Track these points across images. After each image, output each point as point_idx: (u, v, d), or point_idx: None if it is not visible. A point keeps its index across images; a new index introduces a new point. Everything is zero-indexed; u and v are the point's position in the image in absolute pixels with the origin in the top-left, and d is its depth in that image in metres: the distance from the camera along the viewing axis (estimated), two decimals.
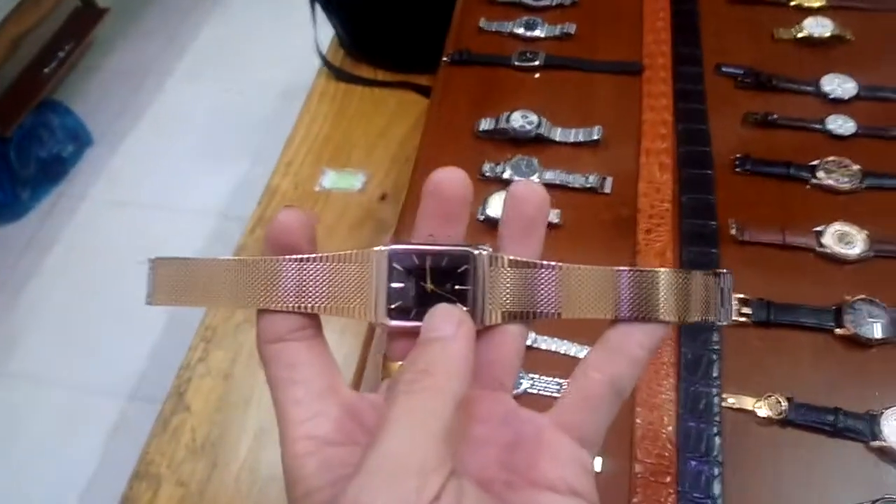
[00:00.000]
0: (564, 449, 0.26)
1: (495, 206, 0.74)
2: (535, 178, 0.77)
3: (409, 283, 0.26)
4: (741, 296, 0.67)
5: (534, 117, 0.81)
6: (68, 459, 1.39)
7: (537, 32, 0.92)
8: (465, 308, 0.26)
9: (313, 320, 0.27)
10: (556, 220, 0.73)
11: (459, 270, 0.26)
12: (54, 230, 1.78)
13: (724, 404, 0.61)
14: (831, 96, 0.83)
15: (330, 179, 1.26)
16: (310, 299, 0.26)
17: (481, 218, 0.74)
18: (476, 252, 0.26)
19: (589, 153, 0.80)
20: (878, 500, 0.55)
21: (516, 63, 0.89)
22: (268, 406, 0.95)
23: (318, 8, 1.38)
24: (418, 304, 0.26)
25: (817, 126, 0.80)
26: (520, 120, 0.81)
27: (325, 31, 1.44)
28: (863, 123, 0.80)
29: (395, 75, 1.40)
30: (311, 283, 0.26)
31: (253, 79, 2.05)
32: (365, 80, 1.41)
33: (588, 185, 0.76)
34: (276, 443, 0.95)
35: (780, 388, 0.61)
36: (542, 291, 0.26)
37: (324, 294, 0.26)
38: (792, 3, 0.92)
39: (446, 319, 0.25)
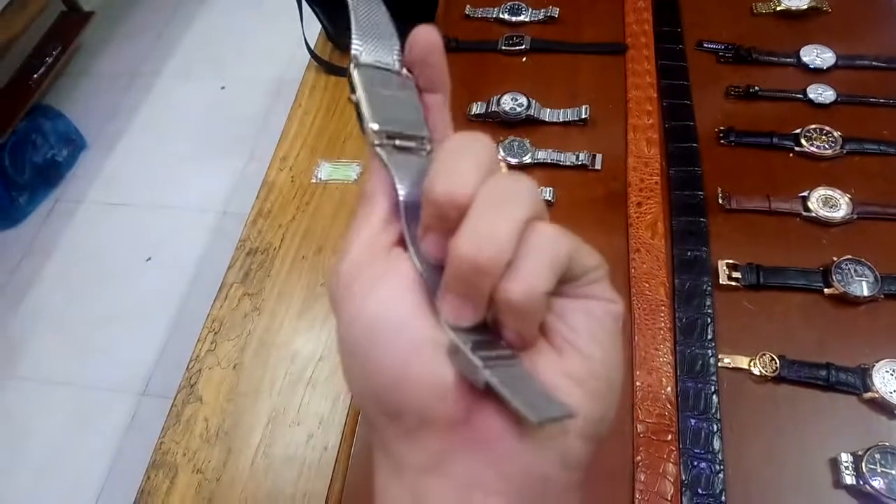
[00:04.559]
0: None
1: None
2: (527, 157, 0.79)
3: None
4: (731, 261, 0.69)
5: (523, 99, 0.83)
6: (84, 457, 1.42)
7: (522, 17, 0.94)
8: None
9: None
10: (549, 198, 0.76)
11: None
12: (53, 234, 1.79)
13: (719, 364, 0.64)
14: (811, 66, 0.85)
15: (326, 171, 1.28)
16: None
17: None
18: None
19: (578, 132, 0.83)
20: (871, 448, 0.58)
21: (503, 48, 0.91)
22: (278, 392, 0.97)
23: (305, 3, 1.39)
24: None
25: (798, 96, 0.83)
26: (510, 102, 0.83)
27: (312, 25, 1.45)
28: (842, 91, 0.82)
29: None
30: None
31: (243, 74, 2.06)
32: None
33: (579, 163, 0.79)
34: (289, 427, 0.97)
35: (773, 348, 0.64)
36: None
37: None
38: None
39: None
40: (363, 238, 0.26)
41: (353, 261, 0.25)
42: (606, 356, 0.25)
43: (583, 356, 0.25)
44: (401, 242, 0.26)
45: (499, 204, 0.23)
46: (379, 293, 0.24)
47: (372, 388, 0.24)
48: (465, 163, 0.23)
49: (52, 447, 1.44)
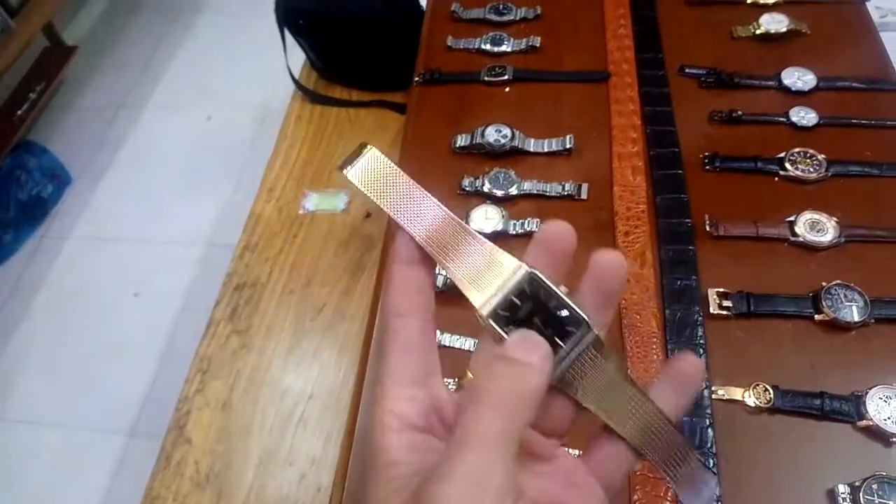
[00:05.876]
0: (594, 494, 0.28)
1: (477, 219, 0.76)
2: (513, 189, 0.79)
3: (525, 304, 0.27)
4: (721, 290, 0.69)
5: (507, 130, 0.83)
6: (73, 501, 1.39)
7: (504, 47, 0.94)
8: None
9: (429, 293, 0.29)
10: (536, 229, 0.75)
11: (567, 327, 0.27)
12: (40, 272, 1.77)
13: (713, 396, 0.63)
14: (792, 89, 0.86)
15: (313, 202, 1.28)
16: (448, 257, 0.28)
17: None
18: (591, 329, 0.27)
19: (563, 161, 0.82)
20: (868, 479, 0.57)
21: (486, 78, 0.91)
22: (269, 432, 0.95)
23: (288, 33, 1.39)
24: (519, 324, 0.27)
25: (781, 119, 0.83)
26: (494, 134, 0.83)
27: (296, 55, 1.45)
28: (824, 113, 0.83)
29: (368, 94, 1.41)
30: (458, 249, 0.28)
31: (229, 104, 2.06)
32: (339, 102, 1.42)
33: (565, 193, 0.78)
34: (281, 466, 0.95)
35: (766, 377, 0.63)
36: (620, 404, 0.28)
37: (460, 262, 0.28)
38: (748, 1, 0.95)
39: (536, 348, 0.26)
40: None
41: None
42: None
43: None
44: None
45: None
46: None
47: None
48: None
49: (39, 490, 1.42)
